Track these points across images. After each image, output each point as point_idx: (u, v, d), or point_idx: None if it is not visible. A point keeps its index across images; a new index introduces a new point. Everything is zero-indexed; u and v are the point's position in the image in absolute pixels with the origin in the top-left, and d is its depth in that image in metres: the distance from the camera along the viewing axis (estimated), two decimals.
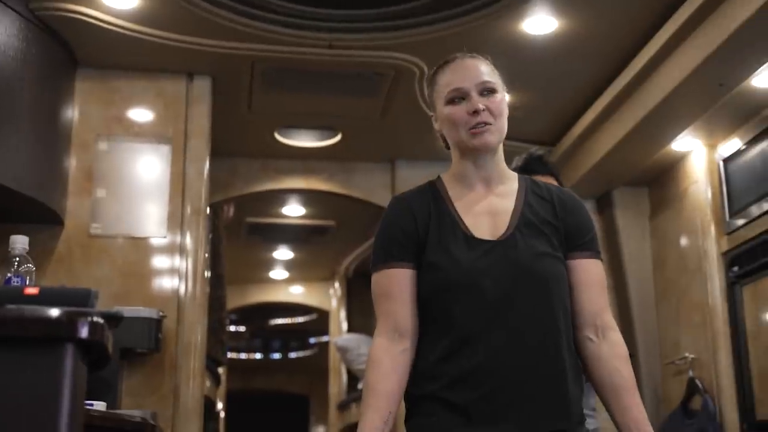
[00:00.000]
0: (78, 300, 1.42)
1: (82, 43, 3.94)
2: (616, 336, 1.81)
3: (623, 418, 1.73)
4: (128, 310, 3.51)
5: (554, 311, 1.75)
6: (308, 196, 6.05)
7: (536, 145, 4.22)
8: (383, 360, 1.77)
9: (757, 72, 3.68)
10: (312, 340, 11.55)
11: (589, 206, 5.08)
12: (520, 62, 4.07)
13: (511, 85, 1.92)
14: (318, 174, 5.40)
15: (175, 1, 3.65)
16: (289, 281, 8.84)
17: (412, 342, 1.79)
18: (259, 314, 10.52)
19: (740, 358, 4.22)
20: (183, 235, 4.04)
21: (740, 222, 4.26)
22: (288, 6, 3.83)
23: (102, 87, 4.15)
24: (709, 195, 4.46)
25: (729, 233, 4.35)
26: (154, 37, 3.89)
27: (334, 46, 4.02)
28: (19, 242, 2.24)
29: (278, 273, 8.58)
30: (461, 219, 1.82)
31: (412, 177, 4.98)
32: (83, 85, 4.12)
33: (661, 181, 4.92)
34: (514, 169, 1.98)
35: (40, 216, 3.80)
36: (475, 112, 1.81)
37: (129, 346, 3.57)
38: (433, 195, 1.88)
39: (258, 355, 11.92)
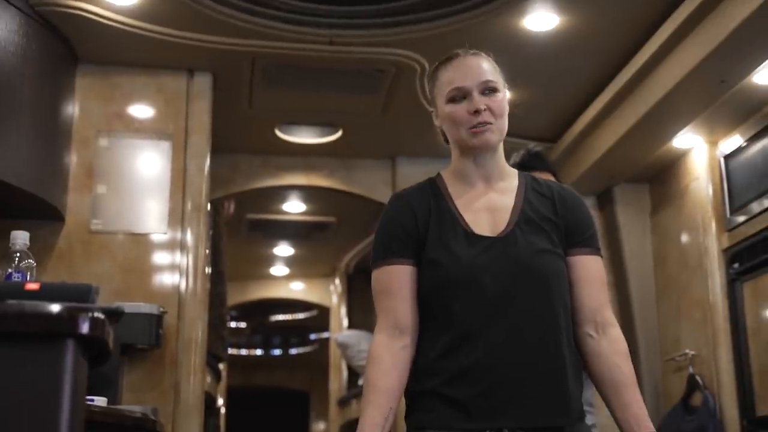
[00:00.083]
0: (79, 296, 1.42)
1: (82, 39, 3.93)
2: (616, 332, 1.81)
3: (623, 414, 1.74)
4: (129, 306, 3.52)
5: (554, 308, 1.75)
6: (309, 193, 6.05)
7: (537, 142, 4.22)
8: (383, 356, 1.77)
9: (758, 69, 3.68)
10: (312, 337, 11.55)
11: (590, 203, 5.09)
12: (521, 59, 4.06)
13: (512, 81, 1.92)
14: (319, 170, 5.40)
15: None
16: (289, 277, 8.84)
17: (412, 338, 1.80)
18: (259, 310, 10.53)
19: (740, 354, 4.22)
20: (184, 231, 4.04)
21: (741, 219, 4.26)
22: (288, 2, 3.83)
23: (102, 83, 4.14)
24: (710, 192, 4.46)
25: (730, 230, 4.35)
26: (154, 33, 3.88)
27: (335, 42, 4.02)
28: (20, 238, 2.24)
29: (279, 269, 8.58)
30: (461, 216, 1.82)
31: (412, 173, 4.97)
32: (84, 81, 4.11)
33: (662, 177, 4.92)
34: (512, 166, 1.98)
35: (41, 212, 3.80)
36: (476, 112, 1.81)
37: (130, 342, 3.57)
38: (433, 192, 1.88)
39: (258, 351, 11.92)
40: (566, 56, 4.15)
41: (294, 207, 6.53)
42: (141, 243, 4.00)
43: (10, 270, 2.19)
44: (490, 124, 1.82)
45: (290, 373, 12.07)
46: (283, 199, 6.35)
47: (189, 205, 4.08)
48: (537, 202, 1.85)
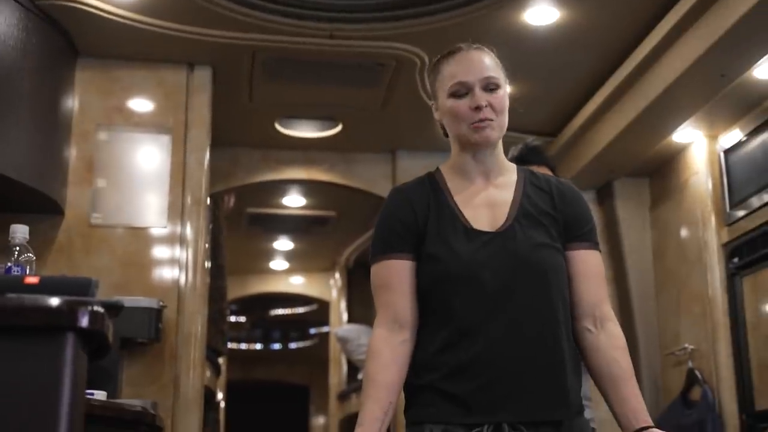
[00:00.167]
0: (78, 289, 1.42)
1: (82, 33, 3.93)
2: (614, 327, 1.81)
3: (622, 408, 1.74)
4: (128, 300, 3.52)
5: (553, 302, 1.76)
6: (309, 187, 6.05)
7: (537, 136, 4.22)
8: (383, 351, 1.77)
9: (758, 63, 3.68)
10: (312, 331, 11.55)
11: (590, 197, 5.09)
12: (521, 53, 4.06)
13: (512, 75, 1.92)
14: (319, 164, 5.39)
15: None
16: (289, 272, 8.84)
17: (411, 333, 1.80)
18: (259, 304, 10.53)
19: (740, 349, 4.23)
20: (183, 225, 4.04)
21: (741, 213, 4.26)
22: None
23: (102, 77, 4.14)
24: (710, 186, 4.46)
25: (729, 224, 4.35)
26: (154, 27, 3.88)
27: (335, 36, 4.01)
28: (20, 232, 2.25)
29: (279, 263, 8.58)
30: (460, 211, 1.82)
31: (412, 167, 4.97)
32: (83, 74, 4.11)
33: (662, 172, 4.92)
34: (510, 160, 1.97)
35: (41, 206, 3.80)
36: (478, 108, 1.81)
37: (129, 336, 3.57)
38: (433, 187, 1.88)
39: (258, 346, 11.92)
40: (566, 50, 4.14)
41: (294, 201, 6.53)
42: (141, 237, 4.00)
43: (9, 264, 2.20)
44: (491, 120, 1.82)
45: (290, 368, 12.07)
46: (283, 193, 6.35)
47: (189, 199, 4.08)
48: (535, 197, 1.85)
